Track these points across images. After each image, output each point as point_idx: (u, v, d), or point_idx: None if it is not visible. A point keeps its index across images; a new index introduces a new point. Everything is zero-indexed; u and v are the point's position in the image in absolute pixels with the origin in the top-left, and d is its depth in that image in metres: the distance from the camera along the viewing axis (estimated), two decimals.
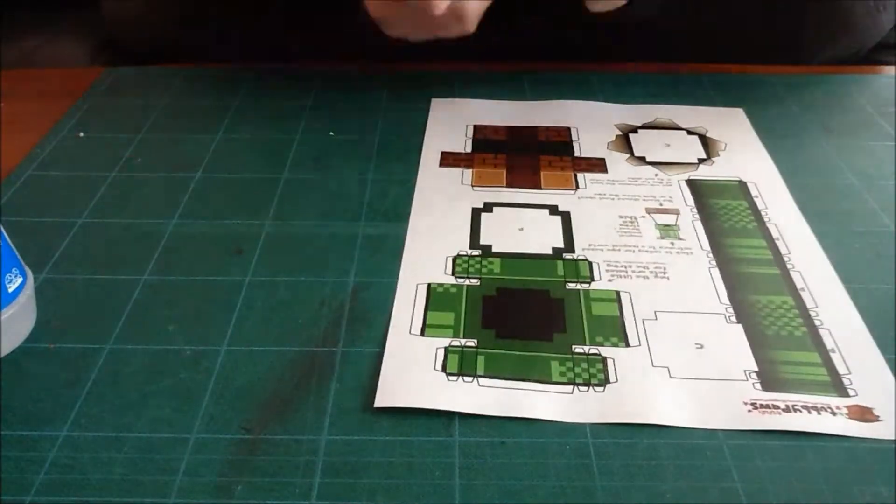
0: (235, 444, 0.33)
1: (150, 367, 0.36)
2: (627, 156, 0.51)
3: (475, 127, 0.55)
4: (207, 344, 0.38)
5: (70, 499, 0.31)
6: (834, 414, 0.34)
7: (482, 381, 0.35)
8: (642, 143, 0.53)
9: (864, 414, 0.34)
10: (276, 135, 0.55)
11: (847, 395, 0.35)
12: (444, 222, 0.45)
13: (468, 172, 0.50)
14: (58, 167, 0.51)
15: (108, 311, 0.39)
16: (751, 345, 0.37)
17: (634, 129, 0.54)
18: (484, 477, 0.32)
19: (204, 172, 0.50)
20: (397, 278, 0.41)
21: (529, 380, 0.35)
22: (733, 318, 0.39)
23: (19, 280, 0.37)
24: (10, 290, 0.36)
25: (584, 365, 0.36)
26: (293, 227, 0.46)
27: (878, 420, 0.34)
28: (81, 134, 0.55)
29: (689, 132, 0.54)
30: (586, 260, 0.42)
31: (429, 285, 0.41)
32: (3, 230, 0.37)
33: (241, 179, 0.50)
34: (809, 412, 0.34)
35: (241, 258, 0.43)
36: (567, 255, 0.42)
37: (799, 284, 0.41)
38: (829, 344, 0.37)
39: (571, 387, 0.35)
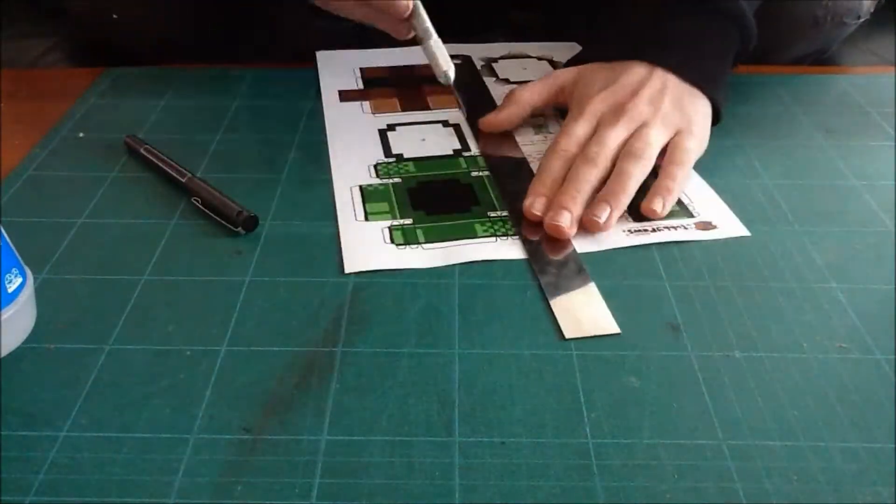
0: (235, 445, 0.33)
1: (150, 367, 0.36)
2: (494, 79, 0.62)
3: (362, 69, 0.64)
4: (207, 344, 0.38)
5: (70, 499, 0.31)
6: (686, 228, 0.45)
7: (425, 246, 0.44)
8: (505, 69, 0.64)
9: (705, 226, 0.46)
10: (275, 135, 0.55)
11: (692, 216, 0.47)
12: (358, 139, 0.54)
13: (366, 104, 0.59)
14: (58, 167, 0.51)
15: (108, 311, 0.39)
16: None
17: (495, 60, 0.65)
18: (484, 477, 0.32)
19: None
20: (332, 184, 0.49)
21: (461, 238, 0.45)
22: None
23: (19, 280, 0.37)
24: (10, 290, 0.36)
25: (500, 223, 0.46)
26: (293, 226, 0.46)
27: (715, 228, 0.46)
28: (81, 134, 0.55)
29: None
30: (482, 155, 0.53)
31: (360, 186, 0.49)
32: (3, 230, 0.37)
33: (241, 179, 0.50)
34: (670, 230, 0.45)
35: (241, 258, 0.43)
36: (465, 154, 0.53)
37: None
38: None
39: (495, 238, 0.45)
